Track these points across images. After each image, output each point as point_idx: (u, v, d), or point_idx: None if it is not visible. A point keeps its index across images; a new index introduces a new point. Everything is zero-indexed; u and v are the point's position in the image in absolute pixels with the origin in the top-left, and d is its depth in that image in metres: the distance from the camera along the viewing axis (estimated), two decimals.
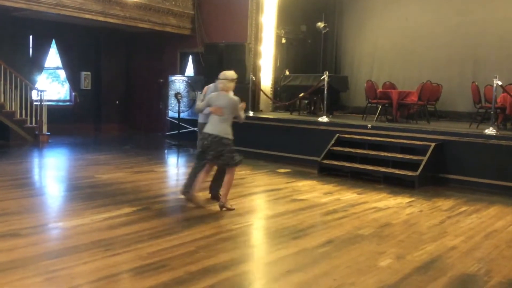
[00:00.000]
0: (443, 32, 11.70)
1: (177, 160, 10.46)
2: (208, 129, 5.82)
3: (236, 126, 10.63)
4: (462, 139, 8.01)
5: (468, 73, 11.29)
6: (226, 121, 5.84)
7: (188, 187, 6.11)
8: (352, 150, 8.79)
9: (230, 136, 5.84)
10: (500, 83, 8.21)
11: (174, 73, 13.66)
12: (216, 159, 5.85)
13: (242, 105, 5.95)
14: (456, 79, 11.52)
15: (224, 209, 5.86)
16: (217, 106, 5.82)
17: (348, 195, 7.06)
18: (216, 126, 5.79)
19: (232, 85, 5.95)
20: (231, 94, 5.96)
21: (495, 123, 8.39)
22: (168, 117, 13.49)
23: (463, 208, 6.50)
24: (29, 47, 13.14)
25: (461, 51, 11.49)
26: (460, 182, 7.90)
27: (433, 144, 8.01)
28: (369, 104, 10.55)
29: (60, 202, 6.40)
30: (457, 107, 11.54)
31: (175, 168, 8.92)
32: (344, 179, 8.27)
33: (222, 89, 5.88)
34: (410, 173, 7.84)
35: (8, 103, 11.47)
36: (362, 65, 13.26)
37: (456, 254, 4.59)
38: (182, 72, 14.00)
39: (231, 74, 5.96)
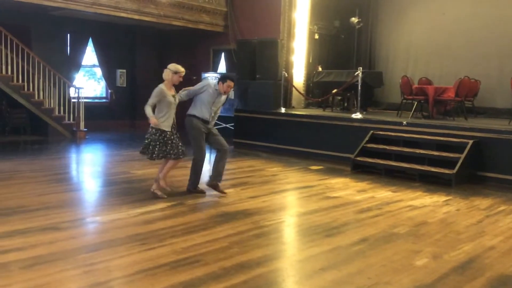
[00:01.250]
0: (481, 26, 11.36)
1: (209, 156, 10.53)
2: None
3: (269, 122, 10.74)
4: (501, 136, 7.78)
5: (507, 68, 10.94)
6: (157, 110, 6.00)
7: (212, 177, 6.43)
8: (387, 147, 8.67)
9: (160, 126, 5.94)
10: None
11: (207, 70, 13.76)
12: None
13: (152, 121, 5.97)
14: (495, 74, 11.19)
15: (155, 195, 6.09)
16: None
17: (383, 193, 6.97)
18: None
19: (170, 76, 5.99)
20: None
21: None
22: None
23: (502, 207, 6.32)
24: (67, 46, 13.50)
25: (500, 45, 11.14)
26: (499, 180, 7.69)
27: (470, 142, 7.81)
28: (404, 101, 10.37)
29: (97, 197, 6.57)
30: (495, 103, 11.21)
31: (207, 164, 8.98)
32: (378, 177, 8.17)
33: (163, 77, 6.03)
34: (447, 171, 7.67)
35: (47, 100, 11.82)
36: (397, 60, 13.04)
37: (494, 254, 4.48)
38: (214, 69, 14.09)
39: (173, 65, 6.03)
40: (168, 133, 5.95)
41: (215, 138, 6.40)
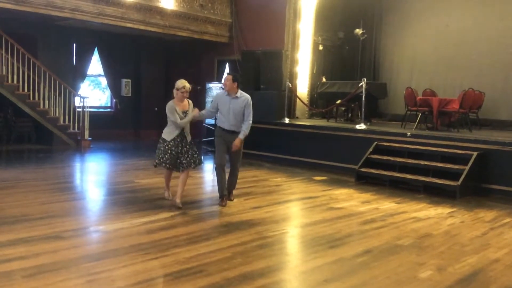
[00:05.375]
0: (485, 38, 11.39)
1: (213, 166, 10.53)
2: None
3: (273, 133, 10.75)
4: (505, 148, 7.75)
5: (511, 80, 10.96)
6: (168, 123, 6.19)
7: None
8: (391, 158, 8.65)
9: (163, 135, 6.17)
10: None
11: (211, 80, 13.81)
12: None
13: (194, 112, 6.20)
14: (500, 86, 11.20)
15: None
16: None
17: (387, 204, 6.94)
18: None
19: (175, 93, 6.11)
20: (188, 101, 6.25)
21: None
22: (204, 123, 13.64)
23: (507, 220, 6.28)
24: (73, 55, 13.57)
25: (505, 57, 11.15)
26: (504, 192, 7.65)
27: (475, 153, 7.79)
28: (408, 112, 10.36)
29: (100, 206, 6.56)
30: (500, 115, 11.21)
31: (211, 174, 9.00)
32: (382, 188, 8.14)
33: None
34: (451, 183, 7.65)
35: (52, 109, 11.88)
36: (401, 71, 13.06)
37: (499, 267, 4.45)
38: (219, 79, 14.10)
39: (177, 82, 6.12)
40: (171, 143, 6.11)
41: (231, 154, 6.37)
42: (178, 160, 6.16)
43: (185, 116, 6.11)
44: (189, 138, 6.26)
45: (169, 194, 6.56)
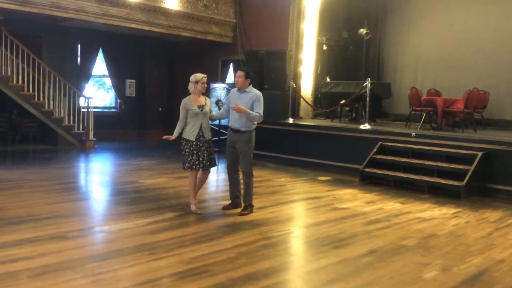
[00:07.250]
0: (490, 38, 11.34)
1: (217, 166, 10.54)
2: None
3: (277, 133, 10.76)
4: (510, 148, 7.72)
5: None
6: (188, 121, 5.99)
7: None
8: (395, 158, 8.63)
9: (185, 136, 5.94)
10: None
11: (215, 81, 13.80)
12: None
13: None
14: (504, 86, 11.14)
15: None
16: None
17: (391, 205, 6.93)
18: None
19: (194, 87, 5.98)
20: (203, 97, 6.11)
21: None
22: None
23: None
24: (77, 56, 13.62)
25: (509, 56, 11.09)
26: (509, 192, 7.62)
27: (480, 153, 7.76)
28: (413, 112, 10.33)
29: (105, 206, 6.58)
30: (505, 115, 11.16)
31: (215, 174, 9.02)
32: (386, 188, 8.13)
33: (189, 91, 6.07)
34: (456, 183, 7.62)
35: (56, 109, 11.93)
36: (405, 71, 13.02)
37: (504, 267, 4.44)
38: (223, 80, 14.15)
39: (192, 76, 6.01)
40: (194, 142, 5.89)
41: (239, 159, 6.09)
42: (194, 158, 5.89)
43: (201, 110, 5.90)
44: (208, 136, 6.00)
45: (197, 207, 6.04)
